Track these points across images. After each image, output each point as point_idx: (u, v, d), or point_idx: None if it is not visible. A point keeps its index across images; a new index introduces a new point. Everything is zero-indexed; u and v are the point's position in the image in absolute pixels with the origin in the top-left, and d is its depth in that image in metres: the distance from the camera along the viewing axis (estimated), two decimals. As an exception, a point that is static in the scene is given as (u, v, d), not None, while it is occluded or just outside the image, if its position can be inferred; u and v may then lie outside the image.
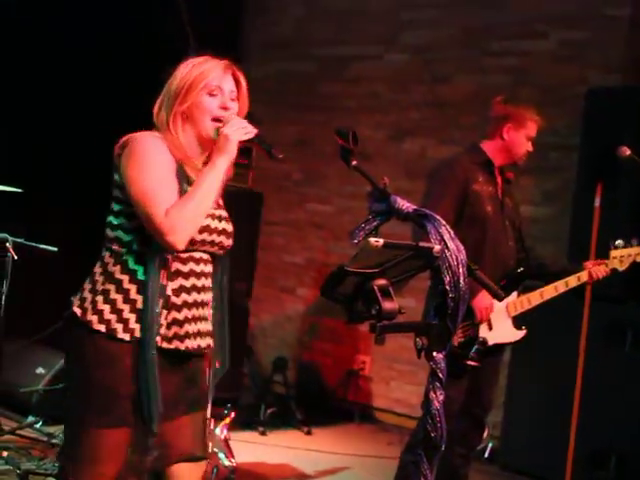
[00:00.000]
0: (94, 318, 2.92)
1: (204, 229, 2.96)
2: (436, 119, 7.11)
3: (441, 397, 2.46)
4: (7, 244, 5.23)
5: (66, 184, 7.24)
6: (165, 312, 2.92)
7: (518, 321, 4.69)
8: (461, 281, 2.40)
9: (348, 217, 7.41)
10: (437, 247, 2.39)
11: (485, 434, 5.33)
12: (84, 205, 7.22)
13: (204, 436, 3.16)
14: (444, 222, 2.46)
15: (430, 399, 2.46)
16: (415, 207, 2.50)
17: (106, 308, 2.93)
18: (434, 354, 2.44)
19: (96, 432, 2.90)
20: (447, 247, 2.40)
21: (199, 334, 3.02)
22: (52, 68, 7.05)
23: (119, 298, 2.93)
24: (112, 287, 2.94)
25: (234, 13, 8.24)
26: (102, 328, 2.90)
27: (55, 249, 5.42)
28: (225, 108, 3.01)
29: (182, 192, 2.90)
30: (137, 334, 2.89)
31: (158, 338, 2.91)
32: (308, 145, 7.77)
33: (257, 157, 6.68)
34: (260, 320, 7.63)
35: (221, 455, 4.79)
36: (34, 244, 5.41)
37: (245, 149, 3.21)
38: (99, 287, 2.97)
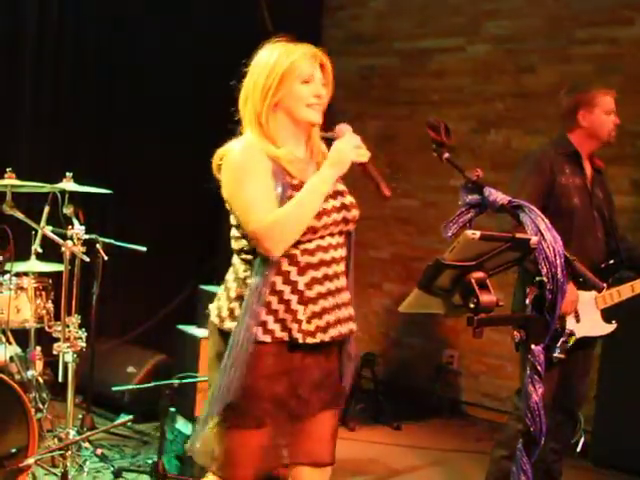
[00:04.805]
0: (233, 325, 2.94)
1: (322, 213, 2.95)
2: (521, 110, 7.02)
3: (540, 390, 2.44)
4: (97, 245, 5.30)
5: (155, 185, 7.32)
6: (302, 307, 2.93)
7: (608, 314, 4.60)
8: (559, 272, 2.37)
9: (433, 211, 7.37)
10: (534, 238, 2.36)
11: (577, 428, 5.24)
12: (173, 206, 7.33)
13: (333, 440, 3.16)
14: (540, 213, 2.43)
15: (529, 393, 2.44)
16: (510, 198, 2.47)
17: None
18: (533, 347, 2.41)
19: (238, 433, 2.95)
20: (544, 238, 2.37)
21: (339, 322, 3.03)
22: (141, 73, 7.14)
23: None
24: (246, 292, 2.95)
25: (314, 9, 8.25)
26: None
27: (144, 249, 5.46)
28: (319, 96, 3.01)
29: (284, 186, 2.91)
30: (278, 335, 2.91)
31: (300, 335, 2.92)
32: (392, 140, 7.72)
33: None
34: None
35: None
36: (124, 244, 5.47)
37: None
38: (233, 294, 3.00)
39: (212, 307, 3.09)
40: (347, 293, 3.09)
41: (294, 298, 2.92)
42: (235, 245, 3.03)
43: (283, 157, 2.98)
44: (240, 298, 2.95)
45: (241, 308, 2.92)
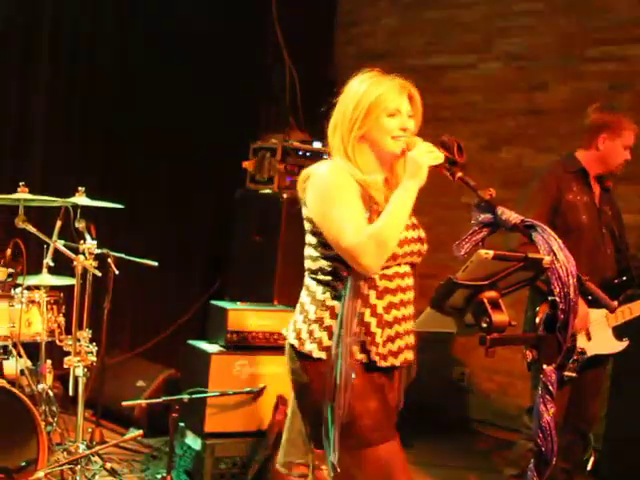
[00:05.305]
0: (313, 347, 2.97)
1: (403, 242, 2.98)
2: (532, 127, 7.01)
3: (552, 410, 2.43)
4: (108, 259, 5.31)
5: (166, 200, 7.34)
6: (380, 330, 2.96)
7: (619, 332, 4.58)
8: (571, 292, 2.36)
9: (444, 228, 7.33)
10: (547, 258, 2.35)
11: (588, 447, 5.22)
12: (184, 221, 7.34)
13: None
14: (553, 232, 2.42)
15: (540, 412, 2.43)
16: (523, 218, 2.47)
17: (323, 335, 2.97)
18: (544, 367, 2.40)
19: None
20: (557, 258, 2.37)
21: (407, 347, 3.08)
22: (154, 88, 7.15)
23: (334, 324, 2.95)
24: (326, 314, 2.98)
25: (327, 26, 8.27)
26: (323, 355, 2.95)
27: (155, 263, 5.47)
28: (405, 129, 3.03)
29: (370, 212, 2.92)
30: (357, 356, 2.93)
31: (377, 358, 2.96)
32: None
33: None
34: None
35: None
36: (135, 259, 5.47)
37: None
38: (312, 316, 3.01)
39: (289, 331, 3.10)
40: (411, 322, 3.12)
41: (373, 321, 2.95)
42: (312, 265, 3.05)
43: (371, 184, 3.01)
44: (320, 320, 2.98)
45: (320, 330, 2.97)
